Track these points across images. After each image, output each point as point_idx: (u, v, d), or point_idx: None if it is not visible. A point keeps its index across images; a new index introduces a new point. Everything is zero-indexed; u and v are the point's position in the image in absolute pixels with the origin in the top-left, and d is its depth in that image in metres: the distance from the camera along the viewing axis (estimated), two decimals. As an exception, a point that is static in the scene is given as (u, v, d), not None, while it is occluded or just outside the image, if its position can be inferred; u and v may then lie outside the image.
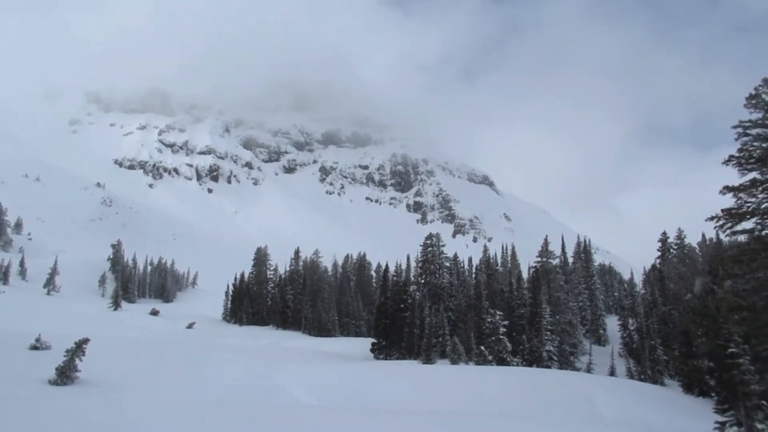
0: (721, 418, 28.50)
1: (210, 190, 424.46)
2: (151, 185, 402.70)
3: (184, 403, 16.08)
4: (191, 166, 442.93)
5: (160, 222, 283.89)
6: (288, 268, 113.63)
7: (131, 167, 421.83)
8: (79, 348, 25.03)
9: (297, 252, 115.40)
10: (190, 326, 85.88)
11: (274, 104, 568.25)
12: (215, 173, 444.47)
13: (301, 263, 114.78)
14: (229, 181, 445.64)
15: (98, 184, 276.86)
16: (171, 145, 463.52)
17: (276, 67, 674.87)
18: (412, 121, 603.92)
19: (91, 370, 24.76)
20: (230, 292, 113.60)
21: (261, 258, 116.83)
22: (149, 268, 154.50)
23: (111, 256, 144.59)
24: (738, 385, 27.43)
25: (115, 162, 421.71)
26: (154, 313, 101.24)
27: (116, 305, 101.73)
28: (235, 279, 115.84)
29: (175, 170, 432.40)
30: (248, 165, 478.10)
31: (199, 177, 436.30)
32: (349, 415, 15.46)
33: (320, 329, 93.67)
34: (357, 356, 63.47)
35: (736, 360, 27.93)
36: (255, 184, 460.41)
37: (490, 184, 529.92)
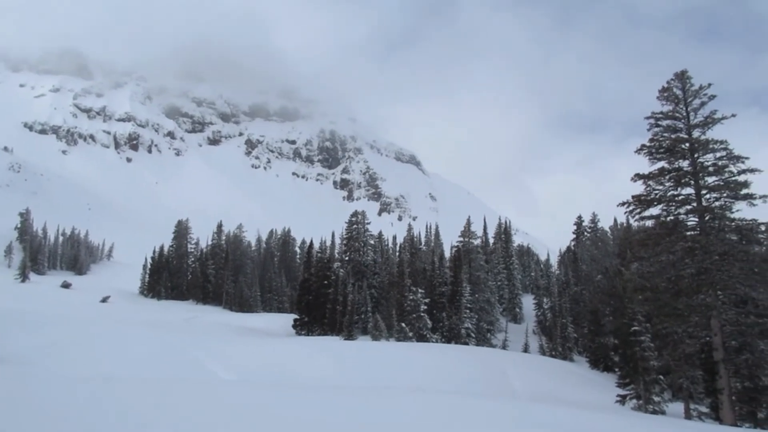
0: (622, 392, 30.32)
1: (129, 160, 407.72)
2: (64, 152, 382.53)
3: (91, 378, 15.57)
4: (109, 133, 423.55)
5: (74, 191, 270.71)
6: (210, 242, 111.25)
7: (43, 132, 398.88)
8: (-20, 321, 23.69)
9: (220, 226, 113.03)
10: (104, 300, 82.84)
11: (197, 71, 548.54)
12: (135, 142, 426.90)
13: (224, 237, 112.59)
14: (150, 151, 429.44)
15: (5, 148, 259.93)
16: (87, 110, 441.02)
17: (193, 27, 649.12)
18: (341, 98, 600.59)
19: (-7, 344, 23.52)
20: (148, 266, 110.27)
21: (182, 231, 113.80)
22: (61, 238, 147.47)
23: (18, 225, 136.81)
24: (639, 361, 29.22)
25: (25, 125, 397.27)
26: (66, 285, 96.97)
27: (24, 277, 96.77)
28: (154, 252, 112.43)
29: (92, 137, 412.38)
30: (170, 135, 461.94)
31: (117, 145, 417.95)
32: (267, 390, 15.42)
33: (242, 305, 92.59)
34: (279, 332, 63.22)
35: (639, 337, 29.72)
36: (177, 154, 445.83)
37: (417, 164, 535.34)
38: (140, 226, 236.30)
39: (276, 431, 10.29)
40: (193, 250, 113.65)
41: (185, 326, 54.33)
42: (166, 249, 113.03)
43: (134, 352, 27.17)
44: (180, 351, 29.55)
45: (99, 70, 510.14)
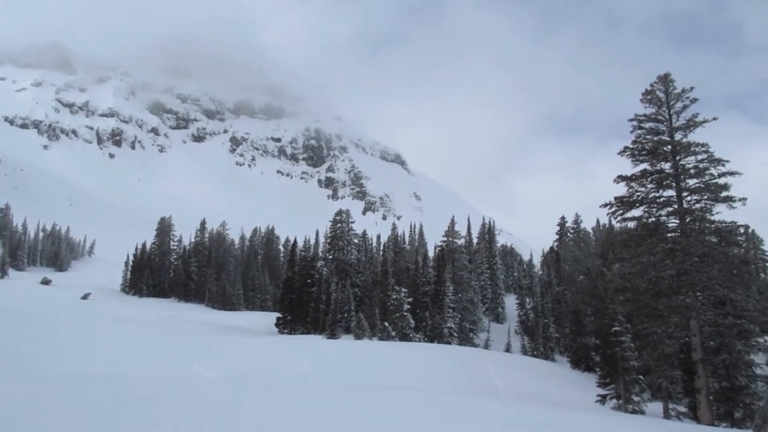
0: (602, 391, 30.55)
1: (112, 155, 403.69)
2: (46, 146, 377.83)
3: (64, 375, 15.37)
4: (92, 128, 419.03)
5: (56, 186, 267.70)
6: (193, 240, 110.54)
7: (24, 126, 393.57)
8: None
9: (203, 223, 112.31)
10: (85, 297, 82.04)
11: (182, 67, 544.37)
12: (118, 138, 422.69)
13: (207, 235, 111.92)
14: (133, 147, 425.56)
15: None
16: (70, 105, 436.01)
17: (178, 23, 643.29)
18: (327, 96, 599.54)
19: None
20: (130, 263, 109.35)
21: (165, 228, 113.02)
22: (41, 234, 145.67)
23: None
24: (619, 361, 29.46)
25: (6, 120, 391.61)
26: (46, 282, 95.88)
27: (2, 273, 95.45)
28: (136, 249, 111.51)
29: (74, 132, 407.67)
30: (154, 131, 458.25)
31: (100, 141, 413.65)
32: (249, 388, 15.32)
33: (224, 303, 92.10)
34: (261, 330, 62.96)
35: (619, 338, 29.95)
36: (161, 151, 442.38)
37: (402, 163, 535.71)
38: (122, 223, 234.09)
39: (257, 430, 10.22)
40: (175, 247, 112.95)
41: (167, 324, 53.89)
42: (148, 246, 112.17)
43: (113, 349, 26.89)
44: (161, 349, 29.30)
45: (82, 64, 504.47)
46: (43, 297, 76.34)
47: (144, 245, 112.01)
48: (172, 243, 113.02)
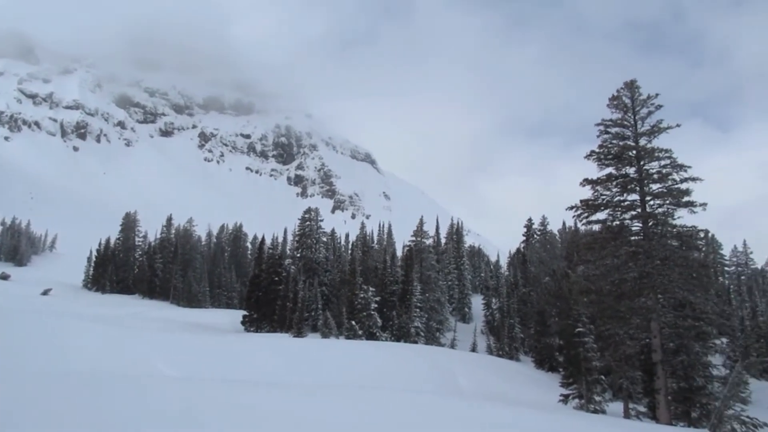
0: (565, 391, 31.03)
1: (76, 149, 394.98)
2: (7, 138, 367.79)
3: (25, 374, 14.99)
4: (55, 120, 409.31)
5: (16, 179, 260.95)
6: (159, 236, 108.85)
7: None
8: None
9: (169, 219, 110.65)
10: (45, 293, 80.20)
11: (150, 60, 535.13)
12: (83, 131, 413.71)
13: (173, 231, 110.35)
14: (99, 140, 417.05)
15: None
16: (33, 96, 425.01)
17: (146, 14, 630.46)
18: (297, 94, 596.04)
19: None
20: (93, 258, 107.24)
21: (129, 223, 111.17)
22: (0, 228, 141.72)
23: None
24: (582, 362, 29.96)
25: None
26: (4, 277, 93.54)
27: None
28: (100, 244, 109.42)
29: (37, 124, 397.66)
30: (121, 125, 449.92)
31: (64, 133, 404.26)
32: (213, 387, 15.14)
33: (190, 300, 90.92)
34: (227, 328, 62.29)
35: (583, 339, 30.46)
36: (127, 145, 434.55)
37: (372, 162, 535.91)
38: (86, 218, 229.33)
39: (221, 430, 10.09)
40: (140, 243, 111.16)
41: (130, 320, 52.95)
42: (112, 241, 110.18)
43: (72, 346, 26.29)
44: (122, 346, 28.76)
45: (46, 54, 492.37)
46: (1, 292, 74.32)
47: (108, 241, 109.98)
48: (137, 239, 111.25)
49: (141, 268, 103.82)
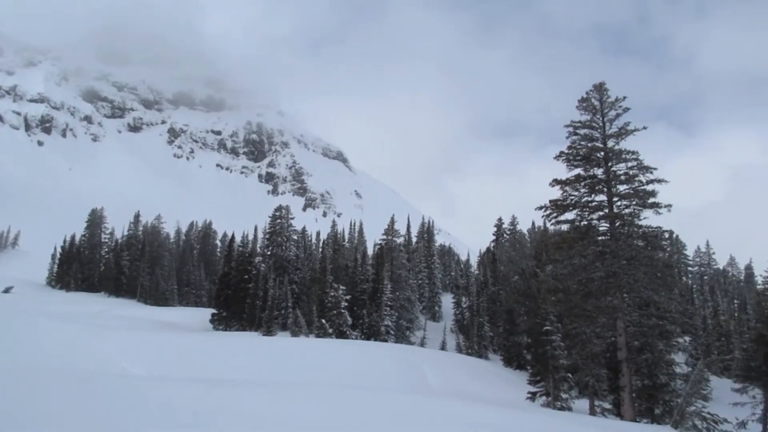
0: (533, 389, 31.40)
1: (41, 143, 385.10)
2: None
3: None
4: (19, 114, 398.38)
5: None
6: (126, 233, 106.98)
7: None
8: None
9: (137, 216, 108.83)
10: (7, 290, 78.35)
11: (118, 54, 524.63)
12: (48, 125, 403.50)
13: (141, 228, 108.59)
14: (64, 135, 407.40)
15: None
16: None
17: (114, 5, 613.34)
18: (269, 91, 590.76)
19: None
20: (58, 255, 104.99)
21: (96, 220, 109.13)
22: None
23: None
24: (549, 360, 30.33)
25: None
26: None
27: None
28: (65, 241, 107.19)
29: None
30: (88, 119, 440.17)
31: (28, 127, 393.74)
32: (179, 386, 14.95)
33: (158, 298, 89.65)
34: (195, 327, 61.56)
35: (550, 337, 30.84)
36: (94, 140, 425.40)
37: (344, 161, 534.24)
38: (50, 214, 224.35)
39: (189, 429, 9.97)
40: (107, 240, 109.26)
41: (95, 319, 51.97)
42: (77, 238, 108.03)
43: (33, 344, 25.71)
44: (87, 344, 28.22)
45: (9, 46, 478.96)
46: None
47: (73, 237, 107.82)
48: (103, 236, 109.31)
49: (107, 265, 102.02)
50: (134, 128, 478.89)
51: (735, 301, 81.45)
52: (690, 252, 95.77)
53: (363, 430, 11.52)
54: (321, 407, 13.44)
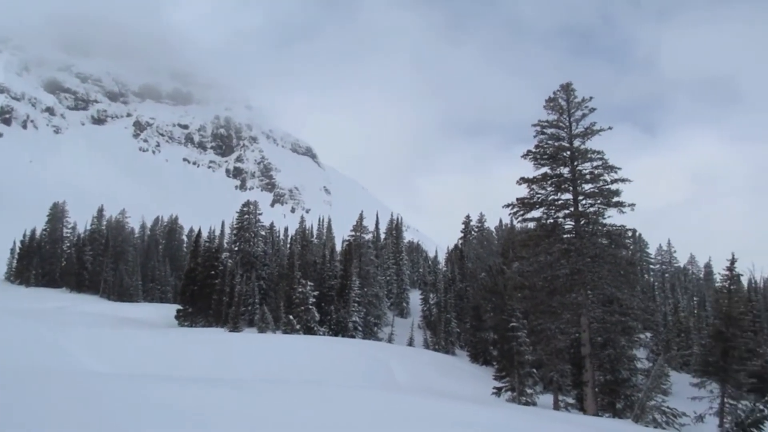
0: (498, 384, 31.76)
1: (0, 135, 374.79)
2: None
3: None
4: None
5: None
6: (89, 227, 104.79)
7: None
8: None
9: (100, 210, 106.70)
10: (-37, 285, 75.87)
11: (82, 44, 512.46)
12: (8, 116, 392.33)
13: (105, 223, 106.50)
14: (25, 127, 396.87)
15: None
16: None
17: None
18: (238, 85, 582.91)
19: None
20: (17, 250, 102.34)
21: (57, 214, 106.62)
22: None
23: None
24: (515, 355, 30.71)
25: None
26: None
27: None
28: (24, 236, 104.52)
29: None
30: (50, 111, 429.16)
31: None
32: (143, 383, 14.71)
33: (121, 294, 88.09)
34: (160, 323, 60.73)
35: (516, 333, 31.20)
36: (56, 132, 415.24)
37: (313, 156, 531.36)
38: (9, 207, 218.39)
39: (153, 428, 9.80)
40: (69, 234, 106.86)
41: (55, 315, 50.86)
42: (38, 232, 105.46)
43: (-6, 341, 25.06)
44: (48, 341, 27.59)
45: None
46: None
47: (33, 232, 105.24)
48: (65, 230, 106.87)
49: (69, 260, 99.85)
50: (98, 121, 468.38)
51: (694, 299, 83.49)
52: (652, 250, 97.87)
53: (351, 430, 11.42)
54: (292, 405, 13.37)
